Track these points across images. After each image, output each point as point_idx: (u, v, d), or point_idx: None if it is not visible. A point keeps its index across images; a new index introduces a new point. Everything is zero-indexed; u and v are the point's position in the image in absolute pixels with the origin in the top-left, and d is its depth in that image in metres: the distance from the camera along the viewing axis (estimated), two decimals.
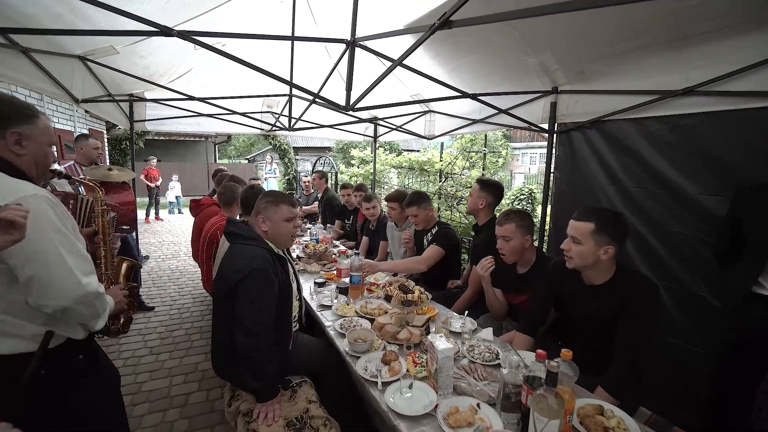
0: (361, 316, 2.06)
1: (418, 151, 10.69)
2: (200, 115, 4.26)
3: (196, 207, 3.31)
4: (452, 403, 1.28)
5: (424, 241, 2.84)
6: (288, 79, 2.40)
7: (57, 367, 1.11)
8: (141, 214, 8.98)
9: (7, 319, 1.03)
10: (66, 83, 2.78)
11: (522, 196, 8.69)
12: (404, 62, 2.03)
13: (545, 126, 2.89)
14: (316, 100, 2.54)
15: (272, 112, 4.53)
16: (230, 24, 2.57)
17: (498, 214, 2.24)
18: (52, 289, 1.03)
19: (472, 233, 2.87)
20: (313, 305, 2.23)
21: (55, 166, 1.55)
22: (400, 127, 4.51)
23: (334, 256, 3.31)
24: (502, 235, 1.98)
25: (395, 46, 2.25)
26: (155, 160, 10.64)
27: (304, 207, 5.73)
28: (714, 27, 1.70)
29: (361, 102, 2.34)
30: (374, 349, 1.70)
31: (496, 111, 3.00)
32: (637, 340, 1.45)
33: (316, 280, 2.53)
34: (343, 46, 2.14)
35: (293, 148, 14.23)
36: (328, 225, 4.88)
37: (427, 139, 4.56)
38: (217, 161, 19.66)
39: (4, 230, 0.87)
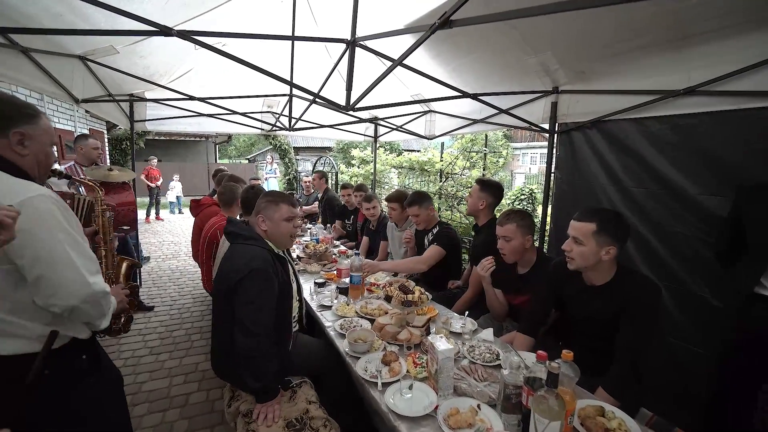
0: (362, 317, 2.06)
1: (418, 151, 10.69)
2: (200, 115, 4.26)
3: (196, 207, 3.31)
4: (452, 404, 1.27)
5: (425, 240, 2.84)
6: (288, 79, 2.40)
7: (61, 368, 1.11)
8: (141, 214, 8.98)
9: (12, 319, 1.03)
10: (66, 83, 2.78)
11: (522, 196, 8.69)
12: (404, 62, 2.03)
13: (546, 126, 2.88)
14: (317, 100, 2.54)
15: (272, 112, 4.53)
16: (230, 24, 2.57)
17: (498, 215, 2.24)
18: (61, 289, 1.03)
19: (473, 233, 2.87)
20: (313, 305, 2.23)
21: (56, 166, 1.55)
22: (401, 127, 4.51)
23: (334, 256, 3.31)
24: (502, 235, 1.98)
25: (395, 46, 2.25)
26: (156, 160, 10.64)
27: (304, 207, 5.72)
28: (714, 27, 1.70)
29: (362, 102, 2.34)
30: (374, 350, 1.69)
31: (497, 111, 2.99)
32: (638, 341, 1.45)
33: (316, 281, 2.53)
34: (343, 45, 2.13)
35: (293, 148, 14.24)
36: (329, 224, 4.88)
37: (428, 139, 4.56)
38: (218, 161, 19.67)
39: None
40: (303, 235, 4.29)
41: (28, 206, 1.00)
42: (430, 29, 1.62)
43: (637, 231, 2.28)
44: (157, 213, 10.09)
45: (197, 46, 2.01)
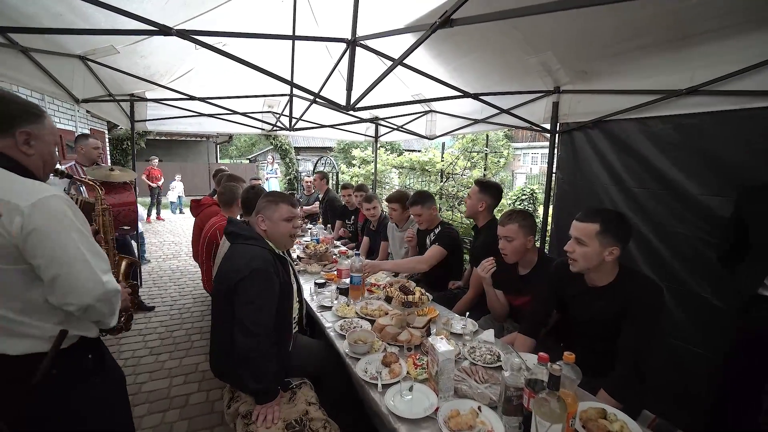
0: (362, 318, 2.05)
1: (419, 151, 10.69)
2: (201, 115, 4.26)
3: (196, 207, 3.31)
4: (453, 406, 1.26)
5: (427, 240, 2.83)
6: (289, 78, 2.40)
7: (68, 367, 1.11)
8: (144, 213, 8.97)
9: (23, 319, 1.03)
10: (66, 83, 2.78)
11: (524, 197, 8.67)
12: (405, 61, 2.02)
13: (547, 126, 2.87)
14: (317, 99, 2.53)
15: (273, 112, 4.53)
16: (231, 24, 2.57)
17: (499, 215, 2.23)
18: (77, 288, 1.03)
19: (473, 233, 2.86)
20: (314, 306, 2.22)
21: (57, 166, 1.55)
22: (402, 127, 4.50)
23: (334, 256, 3.30)
24: (504, 236, 1.97)
25: (396, 46, 2.24)
26: (157, 160, 10.65)
27: (305, 207, 5.72)
28: (714, 27, 1.70)
29: (362, 102, 2.33)
30: (374, 351, 1.69)
31: (498, 111, 2.98)
32: (640, 342, 1.44)
33: (316, 281, 2.52)
34: (343, 45, 2.13)
35: (294, 148, 14.26)
36: (329, 225, 4.87)
37: (429, 139, 4.55)
38: (219, 161, 19.67)
39: None
40: (303, 236, 4.29)
41: (42, 207, 1.00)
42: (430, 28, 1.61)
43: (638, 231, 2.27)
44: (158, 213, 10.10)
45: (198, 46, 2.01)
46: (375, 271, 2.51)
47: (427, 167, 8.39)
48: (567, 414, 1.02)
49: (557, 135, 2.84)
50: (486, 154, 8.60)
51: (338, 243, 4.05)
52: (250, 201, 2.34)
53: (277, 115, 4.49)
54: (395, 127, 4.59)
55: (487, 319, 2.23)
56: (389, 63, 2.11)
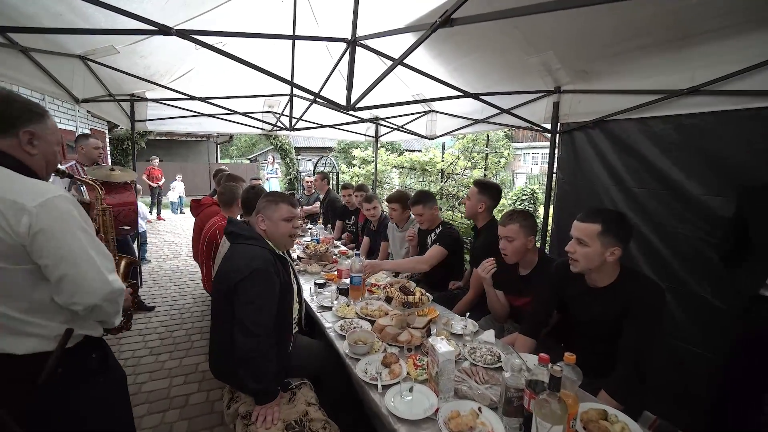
0: (362, 318, 2.04)
1: (419, 151, 10.69)
2: (201, 115, 4.26)
3: (196, 207, 3.31)
4: (453, 407, 1.26)
5: (428, 240, 2.82)
6: (289, 78, 2.39)
7: (73, 366, 1.11)
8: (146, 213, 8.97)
9: (29, 318, 1.03)
10: (66, 83, 2.77)
11: (524, 197, 8.67)
12: (405, 61, 2.02)
13: (548, 126, 2.87)
14: (317, 99, 2.53)
15: (273, 112, 4.53)
16: (231, 24, 2.56)
17: (499, 216, 2.22)
18: (84, 288, 1.04)
19: (473, 234, 2.85)
20: (314, 306, 2.22)
21: (58, 166, 1.55)
22: (402, 127, 4.50)
23: (334, 256, 3.30)
24: (505, 236, 1.96)
25: (396, 45, 2.24)
26: (157, 160, 10.66)
27: (305, 207, 5.72)
28: (714, 27, 1.70)
29: (362, 102, 2.33)
30: (374, 352, 1.68)
31: (498, 111, 2.98)
32: (641, 343, 1.43)
33: (316, 281, 2.52)
34: (344, 45, 2.12)
35: (295, 148, 14.26)
36: (329, 225, 4.87)
37: (429, 139, 4.54)
38: (219, 161, 19.68)
39: None
40: (304, 236, 4.29)
41: (50, 207, 1.00)
42: (431, 28, 1.61)
43: (639, 231, 2.27)
44: (158, 213, 10.10)
45: (198, 46, 2.01)
46: (376, 271, 2.50)
47: (427, 167, 8.39)
48: (568, 415, 1.02)
49: (558, 135, 2.83)
50: (486, 154, 8.60)
51: (338, 243, 4.04)
52: (250, 201, 2.34)
53: (278, 115, 4.48)
54: (395, 127, 4.58)
55: (487, 320, 2.22)
56: (389, 63, 2.10)
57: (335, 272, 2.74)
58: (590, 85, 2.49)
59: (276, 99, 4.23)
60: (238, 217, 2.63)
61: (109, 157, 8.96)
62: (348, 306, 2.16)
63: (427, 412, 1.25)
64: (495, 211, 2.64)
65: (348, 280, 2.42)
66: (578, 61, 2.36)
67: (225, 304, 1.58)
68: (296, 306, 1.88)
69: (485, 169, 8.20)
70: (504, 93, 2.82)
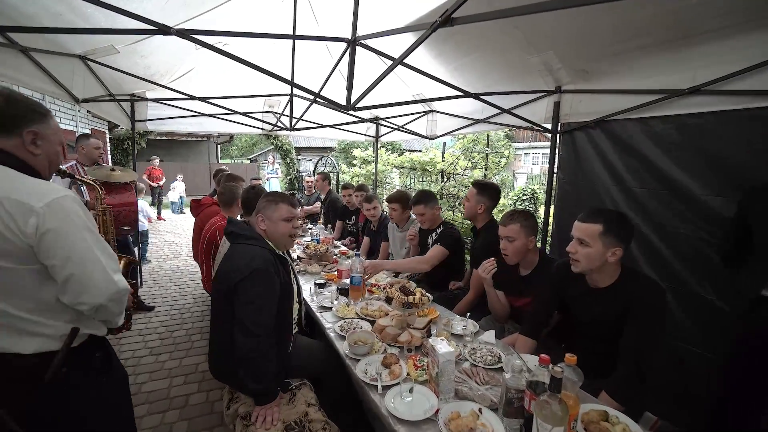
0: (362, 318, 2.04)
1: (420, 151, 10.68)
2: (202, 115, 4.26)
3: (196, 207, 3.30)
4: (453, 408, 1.25)
5: (429, 240, 2.82)
6: (289, 78, 2.39)
7: (77, 365, 1.12)
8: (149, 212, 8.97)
9: (35, 318, 1.04)
10: (66, 83, 2.77)
11: (524, 197, 8.66)
12: (406, 61, 2.02)
13: (548, 126, 2.86)
14: (317, 99, 2.53)
15: (273, 112, 4.53)
16: (231, 23, 2.56)
17: (499, 216, 2.21)
18: (90, 288, 1.04)
19: (472, 235, 2.85)
20: (314, 306, 2.21)
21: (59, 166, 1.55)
22: (402, 127, 4.49)
23: (335, 257, 3.29)
24: (506, 236, 1.96)
25: (397, 45, 2.23)
26: (158, 160, 10.66)
27: (305, 207, 5.72)
28: (714, 27, 1.70)
29: (363, 101, 2.33)
30: (374, 352, 1.68)
31: (499, 111, 2.97)
32: (642, 343, 1.43)
33: (316, 281, 2.51)
34: (344, 44, 2.12)
35: (295, 148, 14.27)
36: (329, 225, 4.86)
37: (429, 139, 4.54)
38: (220, 161, 19.68)
39: None
40: (304, 236, 4.28)
41: (57, 207, 1.00)
42: (431, 27, 1.60)
43: (640, 231, 2.26)
44: (158, 213, 10.10)
45: (198, 46, 2.01)
46: (377, 272, 2.50)
47: (427, 167, 8.39)
48: (569, 416, 1.01)
49: (558, 135, 2.83)
50: (487, 154, 8.59)
51: (338, 243, 4.04)
52: (250, 201, 2.34)
53: (278, 115, 4.48)
54: (396, 127, 4.58)
55: (487, 320, 2.22)
56: (390, 62, 2.10)
57: (335, 272, 2.73)
58: (591, 85, 2.49)
59: (276, 99, 4.23)
60: (238, 217, 2.63)
61: (109, 157, 8.97)
62: (348, 306, 2.16)
63: (427, 413, 1.25)
64: (495, 211, 2.64)
65: (348, 281, 2.41)
66: (579, 61, 2.35)
67: (225, 304, 1.58)
68: (296, 306, 1.87)
69: (486, 169, 8.19)
70: (504, 93, 2.81)
